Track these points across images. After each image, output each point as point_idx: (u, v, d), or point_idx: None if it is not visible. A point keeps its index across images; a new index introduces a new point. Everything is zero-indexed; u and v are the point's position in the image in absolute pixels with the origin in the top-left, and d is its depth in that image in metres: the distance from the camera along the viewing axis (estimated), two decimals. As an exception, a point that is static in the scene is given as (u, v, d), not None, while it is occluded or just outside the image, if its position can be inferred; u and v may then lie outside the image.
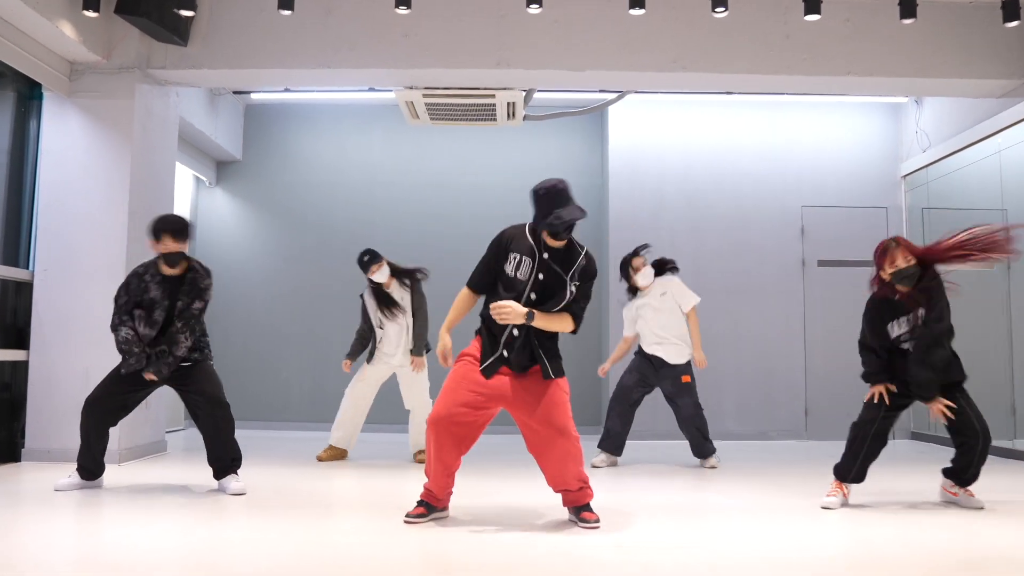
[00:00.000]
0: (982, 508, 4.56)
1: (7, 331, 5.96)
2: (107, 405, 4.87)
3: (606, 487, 5.29)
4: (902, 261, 4.52)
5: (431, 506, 4.12)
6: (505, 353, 4.03)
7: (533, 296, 4.02)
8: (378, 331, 6.41)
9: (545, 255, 4.04)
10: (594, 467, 6.20)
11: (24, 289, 6.10)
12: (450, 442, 4.00)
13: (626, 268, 6.41)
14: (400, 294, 6.40)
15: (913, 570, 3.27)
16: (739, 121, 8.60)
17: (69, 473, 4.95)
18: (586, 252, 4.14)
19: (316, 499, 4.85)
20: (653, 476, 5.91)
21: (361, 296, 6.57)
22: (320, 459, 6.38)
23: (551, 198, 3.94)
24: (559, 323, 4.06)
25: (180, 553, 3.46)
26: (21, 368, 6.02)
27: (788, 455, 7.13)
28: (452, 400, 3.99)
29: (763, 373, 8.35)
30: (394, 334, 6.38)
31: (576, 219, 3.90)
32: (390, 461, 6.46)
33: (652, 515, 4.40)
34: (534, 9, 5.71)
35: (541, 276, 4.02)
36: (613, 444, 6.37)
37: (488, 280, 4.12)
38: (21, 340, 6.05)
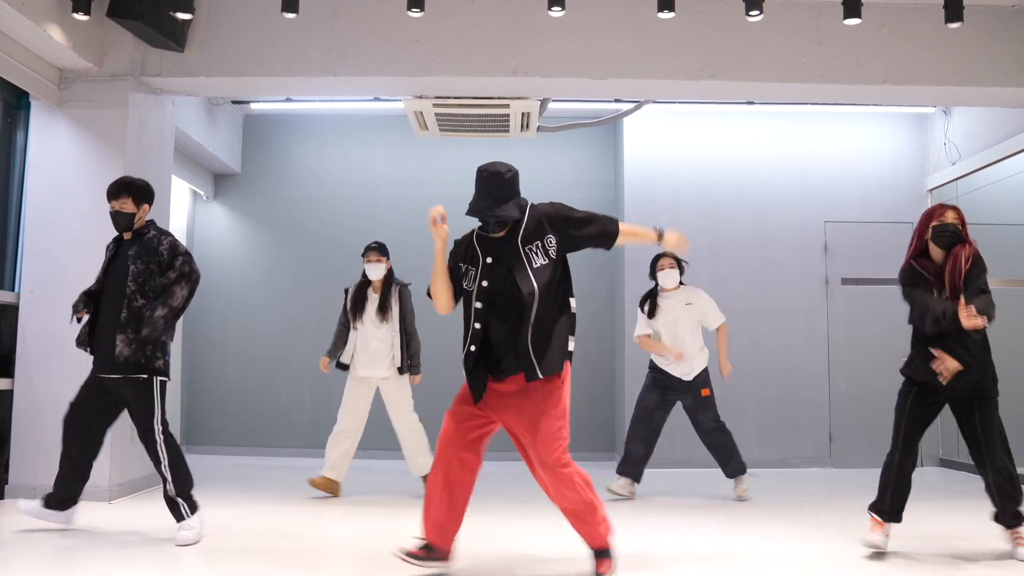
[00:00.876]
0: None
1: (-10, 358, 5.58)
2: (81, 414, 4.48)
3: (630, 529, 4.90)
4: (951, 217, 4.24)
5: (431, 548, 3.69)
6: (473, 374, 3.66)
7: (479, 305, 3.66)
8: (352, 332, 6.13)
9: (488, 259, 3.67)
10: (613, 492, 5.85)
11: (9, 312, 5.70)
12: (457, 466, 3.65)
13: (654, 265, 6.24)
14: (384, 304, 6.08)
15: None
16: (759, 132, 8.26)
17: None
18: (530, 207, 3.73)
19: (304, 544, 4.47)
20: (680, 513, 5.54)
21: (346, 290, 6.31)
22: (311, 482, 6.01)
23: (476, 185, 3.71)
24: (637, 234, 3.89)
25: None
26: (5, 398, 5.61)
27: (815, 486, 6.76)
28: (453, 417, 3.70)
29: (785, 397, 7.97)
30: (373, 345, 6.05)
31: (478, 212, 3.65)
32: (389, 497, 6.08)
33: (687, 566, 4.03)
34: (556, 12, 5.34)
35: (485, 283, 3.65)
36: (635, 469, 6.03)
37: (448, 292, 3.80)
38: (5, 367, 5.65)
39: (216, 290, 8.56)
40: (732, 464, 6.04)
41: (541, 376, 3.53)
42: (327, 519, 5.24)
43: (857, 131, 8.31)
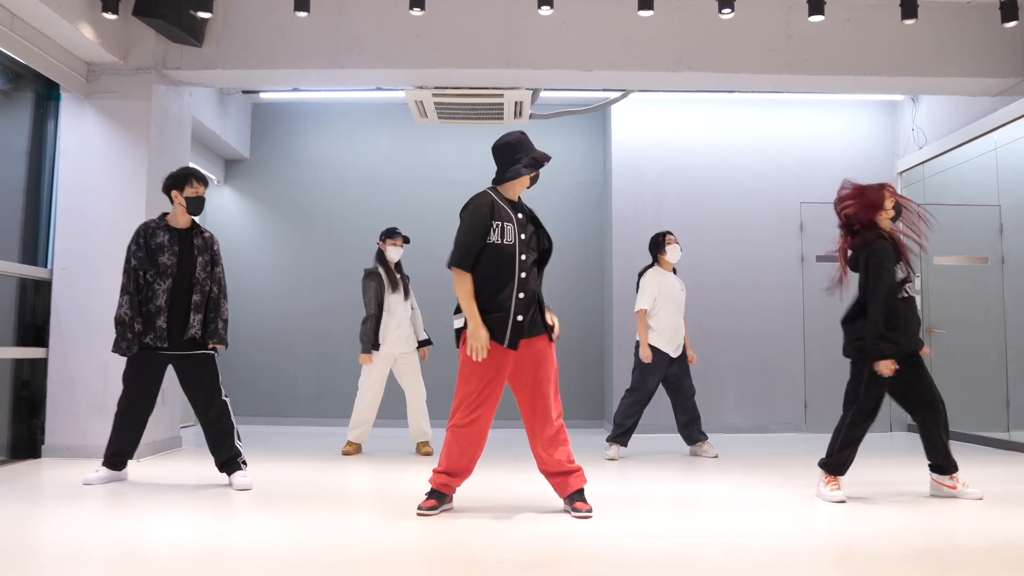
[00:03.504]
0: (981, 498, 4.69)
1: (26, 329, 6.06)
2: (143, 399, 5.00)
3: (616, 480, 5.46)
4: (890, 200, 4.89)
5: (441, 496, 4.21)
6: (520, 318, 4.05)
7: (523, 257, 4.10)
8: (386, 315, 6.59)
9: (519, 214, 4.17)
10: (610, 460, 6.35)
11: (43, 288, 6.19)
12: (478, 442, 4.16)
13: (659, 243, 6.62)
14: (406, 285, 6.69)
15: (900, 558, 3.42)
16: (738, 118, 8.75)
17: (96, 468, 5.04)
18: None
19: (329, 492, 4.97)
20: (660, 468, 6.08)
21: (367, 274, 6.69)
22: (346, 453, 6.56)
23: (522, 146, 4.23)
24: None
25: (197, 544, 3.60)
26: (40, 366, 6.12)
27: (788, 448, 7.28)
28: (471, 406, 4.10)
29: (763, 367, 8.51)
30: (402, 323, 6.59)
31: (545, 159, 4.23)
32: (396, 455, 6.63)
33: (660, 506, 4.58)
34: (545, 11, 5.82)
35: (523, 236, 4.13)
36: (626, 437, 6.50)
37: (477, 252, 4.07)
38: (40, 338, 6.14)
39: (226, 270, 9.03)
40: (697, 426, 6.58)
41: (553, 339, 4.20)
42: (344, 472, 5.75)
43: (831, 117, 8.80)
